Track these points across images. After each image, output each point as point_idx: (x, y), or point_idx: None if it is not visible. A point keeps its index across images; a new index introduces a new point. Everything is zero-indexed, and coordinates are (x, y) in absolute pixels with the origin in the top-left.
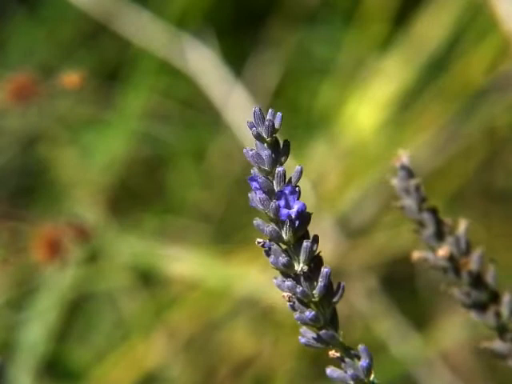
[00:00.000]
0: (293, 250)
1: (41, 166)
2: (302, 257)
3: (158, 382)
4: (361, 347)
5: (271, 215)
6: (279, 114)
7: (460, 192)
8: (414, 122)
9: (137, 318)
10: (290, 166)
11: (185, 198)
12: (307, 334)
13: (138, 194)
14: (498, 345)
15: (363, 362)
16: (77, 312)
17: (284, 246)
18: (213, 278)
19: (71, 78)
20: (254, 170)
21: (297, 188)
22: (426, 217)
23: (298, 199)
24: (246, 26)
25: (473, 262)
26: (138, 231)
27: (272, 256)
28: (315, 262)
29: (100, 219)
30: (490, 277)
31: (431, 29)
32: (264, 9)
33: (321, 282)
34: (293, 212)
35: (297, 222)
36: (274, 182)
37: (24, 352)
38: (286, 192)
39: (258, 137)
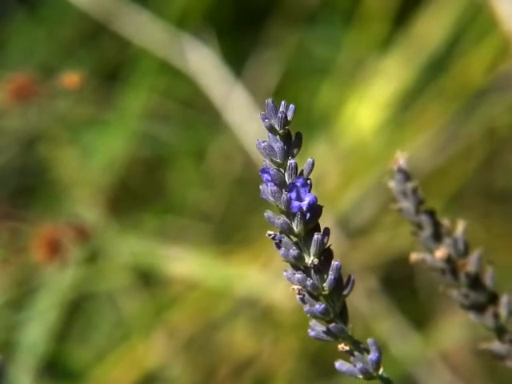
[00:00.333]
0: (303, 242)
1: (41, 166)
2: (313, 250)
3: (157, 382)
4: (370, 341)
5: (282, 207)
6: (292, 106)
7: (460, 192)
8: (413, 122)
9: (137, 318)
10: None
11: (185, 198)
12: (317, 328)
13: (138, 194)
14: (496, 346)
15: (372, 356)
16: (77, 312)
17: (294, 239)
18: (213, 278)
19: (71, 78)
20: (266, 162)
21: (308, 180)
22: (424, 219)
23: (309, 192)
24: (246, 26)
25: (471, 264)
26: (137, 231)
27: (283, 248)
28: (325, 255)
29: (100, 219)
30: (488, 278)
31: (431, 29)
32: (264, 9)
33: (331, 275)
34: (304, 204)
35: (308, 215)
36: (286, 175)
37: (24, 352)
38: (298, 184)
39: (271, 129)
